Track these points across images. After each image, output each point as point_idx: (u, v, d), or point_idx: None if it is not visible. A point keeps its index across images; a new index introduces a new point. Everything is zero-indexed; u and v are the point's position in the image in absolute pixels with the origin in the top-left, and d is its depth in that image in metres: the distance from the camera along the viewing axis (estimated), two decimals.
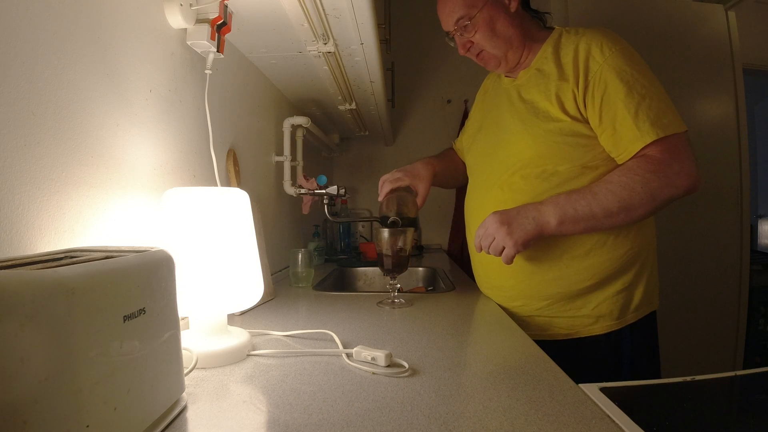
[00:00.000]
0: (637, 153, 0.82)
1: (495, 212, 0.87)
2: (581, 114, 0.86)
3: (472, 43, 0.95)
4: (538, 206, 0.85)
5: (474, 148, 1.10)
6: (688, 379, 0.61)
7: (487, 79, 1.16)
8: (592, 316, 0.90)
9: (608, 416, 0.48)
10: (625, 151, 0.83)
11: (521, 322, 0.94)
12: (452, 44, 1.00)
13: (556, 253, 0.89)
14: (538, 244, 0.88)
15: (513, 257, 0.86)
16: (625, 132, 0.81)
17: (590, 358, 0.90)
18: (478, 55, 0.97)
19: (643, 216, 0.83)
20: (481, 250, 0.90)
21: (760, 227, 2.87)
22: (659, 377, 0.93)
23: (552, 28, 0.96)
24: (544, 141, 0.88)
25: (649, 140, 0.79)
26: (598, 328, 0.90)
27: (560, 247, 0.89)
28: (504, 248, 0.85)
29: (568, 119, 0.86)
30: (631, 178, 0.80)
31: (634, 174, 0.80)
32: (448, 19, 0.95)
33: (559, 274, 0.90)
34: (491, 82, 1.12)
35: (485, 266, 1.04)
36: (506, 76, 1.03)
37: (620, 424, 0.46)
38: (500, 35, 0.92)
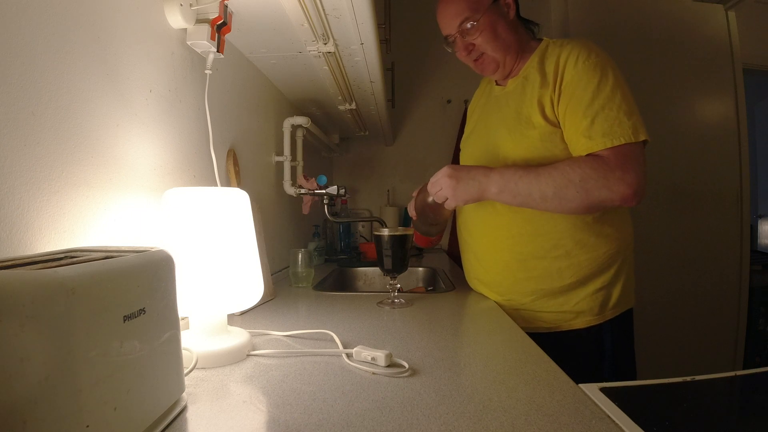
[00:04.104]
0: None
1: (450, 166, 0.93)
2: (557, 119, 0.91)
3: (474, 45, 0.97)
4: (488, 172, 0.90)
5: (465, 151, 1.16)
6: (688, 379, 0.61)
7: (480, 86, 1.21)
8: (573, 312, 0.95)
9: (608, 416, 0.48)
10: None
11: (508, 315, 0.99)
12: (449, 50, 1.03)
13: (539, 253, 0.94)
14: (525, 238, 0.95)
15: (453, 209, 0.96)
16: (579, 139, 0.86)
17: (572, 351, 0.94)
18: (477, 59, 1.00)
19: (576, 209, 0.86)
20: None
21: (760, 227, 2.87)
22: (635, 372, 1.00)
23: (541, 40, 1.01)
24: (527, 146, 0.92)
25: (596, 149, 0.83)
26: (579, 323, 0.95)
27: (543, 248, 0.94)
28: (447, 199, 0.93)
29: (548, 125, 0.91)
30: (573, 169, 0.83)
31: (577, 167, 0.83)
32: (452, 22, 0.97)
33: (542, 273, 0.95)
34: (482, 89, 1.18)
35: (473, 262, 1.10)
36: (497, 84, 1.07)
37: (620, 424, 0.46)
38: (500, 39, 0.96)
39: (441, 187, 0.92)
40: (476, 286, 1.13)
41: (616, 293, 0.95)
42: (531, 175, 0.86)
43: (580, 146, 0.86)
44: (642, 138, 0.83)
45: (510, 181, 0.87)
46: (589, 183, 0.82)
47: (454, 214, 1.22)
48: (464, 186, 0.90)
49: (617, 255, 0.94)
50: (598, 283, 0.94)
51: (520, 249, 0.96)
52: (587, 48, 0.90)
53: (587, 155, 0.85)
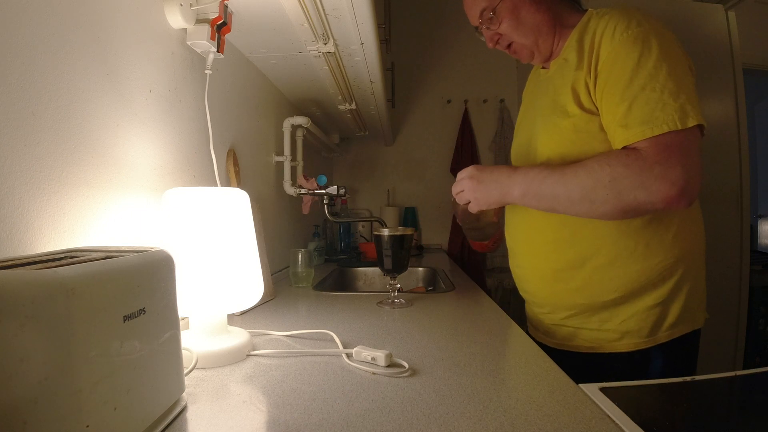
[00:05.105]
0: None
1: (474, 166, 0.86)
2: (596, 106, 0.78)
3: (500, 35, 0.89)
4: (511, 173, 0.81)
5: (514, 144, 1.05)
6: (688, 379, 0.61)
7: (532, 69, 1.08)
8: (618, 332, 0.82)
9: (608, 416, 0.48)
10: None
11: (547, 330, 0.92)
12: (482, 39, 0.95)
13: (577, 262, 0.83)
14: (561, 244, 0.85)
15: (476, 211, 0.86)
16: (615, 129, 0.74)
17: (613, 376, 0.81)
18: (508, 47, 0.91)
19: (609, 213, 0.73)
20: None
21: (760, 227, 2.87)
22: None
23: (586, 11, 0.87)
24: (561, 139, 0.82)
25: (633, 140, 0.70)
26: (623, 345, 0.81)
27: (582, 255, 0.82)
28: (470, 202, 0.86)
29: (583, 114, 0.79)
30: (603, 167, 0.71)
31: (607, 164, 0.71)
32: (473, 12, 0.90)
33: (581, 284, 0.83)
34: (533, 72, 1.05)
35: (516, 270, 0.99)
36: (542, 68, 0.96)
37: (620, 424, 0.46)
38: (526, 23, 0.86)
39: (463, 188, 0.85)
40: (523, 296, 1.01)
41: (674, 312, 0.79)
42: (556, 175, 0.75)
43: (616, 137, 0.73)
44: (691, 123, 0.68)
45: (533, 183, 0.77)
46: (622, 183, 0.69)
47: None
48: (484, 188, 0.82)
49: (677, 265, 0.79)
50: (651, 298, 0.79)
51: (557, 256, 0.85)
52: (627, 17, 0.74)
53: (622, 148, 0.72)
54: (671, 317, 0.79)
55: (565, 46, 0.85)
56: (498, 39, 0.91)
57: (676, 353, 0.80)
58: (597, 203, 0.72)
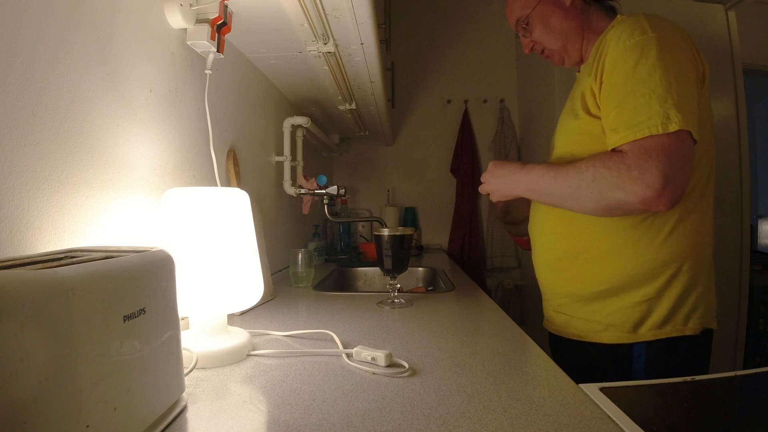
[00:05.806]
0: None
1: (493, 162, 0.95)
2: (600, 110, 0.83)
3: (535, 42, 0.97)
4: (519, 169, 0.89)
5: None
6: (688, 379, 0.61)
7: None
8: (603, 324, 0.85)
9: (608, 416, 0.48)
10: None
11: (549, 316, 0.98)
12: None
13: (571, 254, 0.88)
14: (563, 237, 0.90)
15: (495, 201, 0.97)
16: (607, 133, 0.78)
17: (597, 366, 0.87)
18: (542, 52, 0.98)
19: (594, 211, 0.78)
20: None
21: (760, 227, 2.86)
22: None
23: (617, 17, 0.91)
24: (569, 140, 0.88)
25: (619, 143, 0.73)
26: (606, 337, 0.85)
27: (576, 248, 0.87)
28: (490, 194, 0.95)
29: (589, 117, 0.83)
30: (588, 168, 0.76)
31: (592, 165, 0.75)
32: (510, 21, 0.98)
33: (573, 275, 0.88)
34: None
35: (533, 260, 1.03)
36: (577, 71, 1.00)
37: (620, 424, 0.46)
38: (555, 30, 0.93)
39: (485, 181, 0.95)
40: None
41: (660, 311, 0.80)
42: (552, 173, 0.81)
43: (608, 140, 0.76)
44: (673, 128, 0.69)
45: (534, 180, 0.85)
46: (602, 183, 0.73)
47: None
48: (497, 182, 0.91)
49: (665, 267, 0.80)
50: (638, 295, 0.81)
51: (554, 247, 0.92)
52: (633, 26, 0.78)
53: (610, 150, 0.76)
54: (657, 316, 0.81)
55: (591, 51, 0.90)
56: (533, 45, 0.98)
57: (661, 355, 0.81)
58: (582, 201, 0.77)
